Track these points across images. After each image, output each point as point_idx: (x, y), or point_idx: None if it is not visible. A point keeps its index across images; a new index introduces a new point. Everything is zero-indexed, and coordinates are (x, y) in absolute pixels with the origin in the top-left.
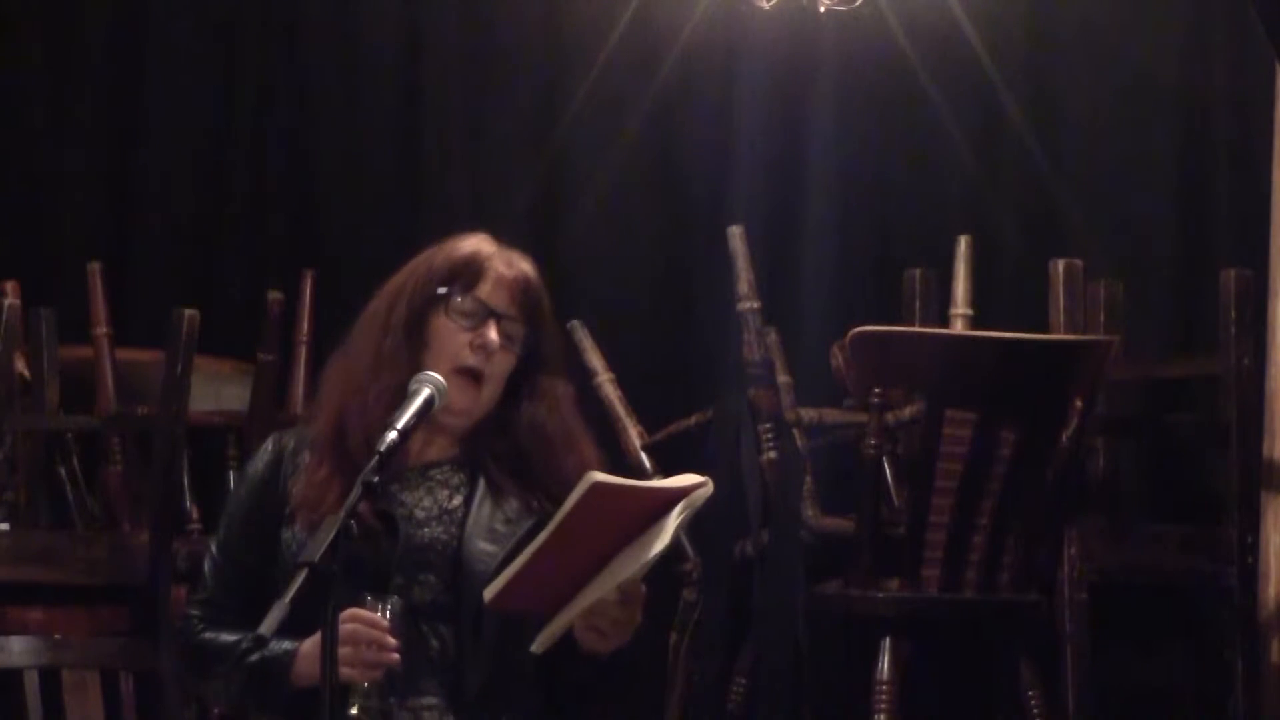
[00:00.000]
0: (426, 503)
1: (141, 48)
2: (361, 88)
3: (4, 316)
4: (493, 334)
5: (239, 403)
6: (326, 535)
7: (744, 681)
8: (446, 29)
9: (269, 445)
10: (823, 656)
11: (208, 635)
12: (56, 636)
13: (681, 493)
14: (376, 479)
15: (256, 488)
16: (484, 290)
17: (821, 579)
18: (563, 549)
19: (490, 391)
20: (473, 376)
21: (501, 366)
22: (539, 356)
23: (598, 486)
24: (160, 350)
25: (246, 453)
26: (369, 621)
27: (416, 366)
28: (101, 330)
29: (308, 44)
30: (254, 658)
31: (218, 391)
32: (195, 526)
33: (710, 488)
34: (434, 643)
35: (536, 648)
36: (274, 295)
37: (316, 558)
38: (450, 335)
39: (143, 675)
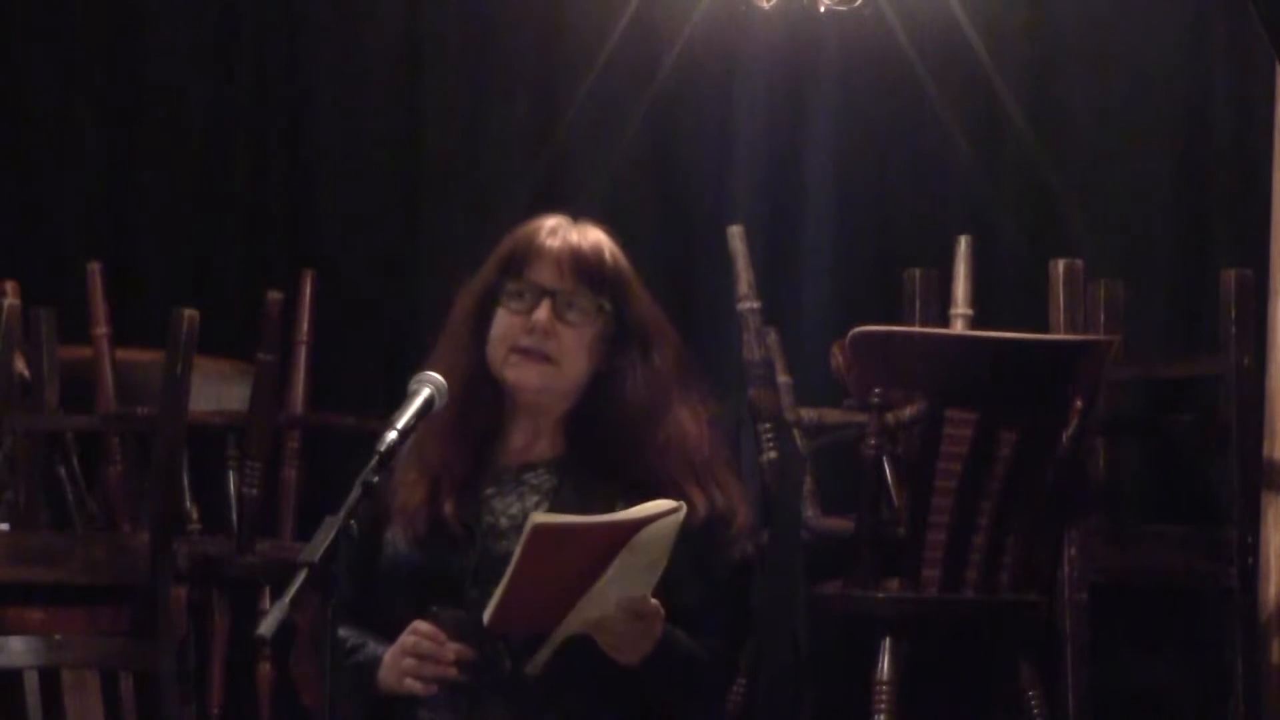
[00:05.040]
0: (514, 510)
1: (141, 48)
2: (361, 88)
3: (4, 316)
4: (543, 313)
5: (239, 403)
6: (326, 535)
7: (744, 681)
8: (446, 29)
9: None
10: (823, 656)
11: (339, 632)
12: (56, 636)
13: (638, 524)
14: (377, 479)
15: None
16: (532, 271)
17: (821, 579)
18: (534, 580)
19: (566, 370)
20: (532, 355)
21: (570, 343)
22: (622, 331)
23: (539, 529)
24: (160, 350)
25: (246, 453)
26: (428, 634)
27: (481, 361)
28: (101, 330)
29: (308, 44)
30: (352, 660)
31: (218, 391)
32: (195, 526)
33: (683, 512)
34: (506, 660)
35: (530, 670)
36: (274, 295)
37: (316, 558)
38: (506, 321)
39: (143, 675)
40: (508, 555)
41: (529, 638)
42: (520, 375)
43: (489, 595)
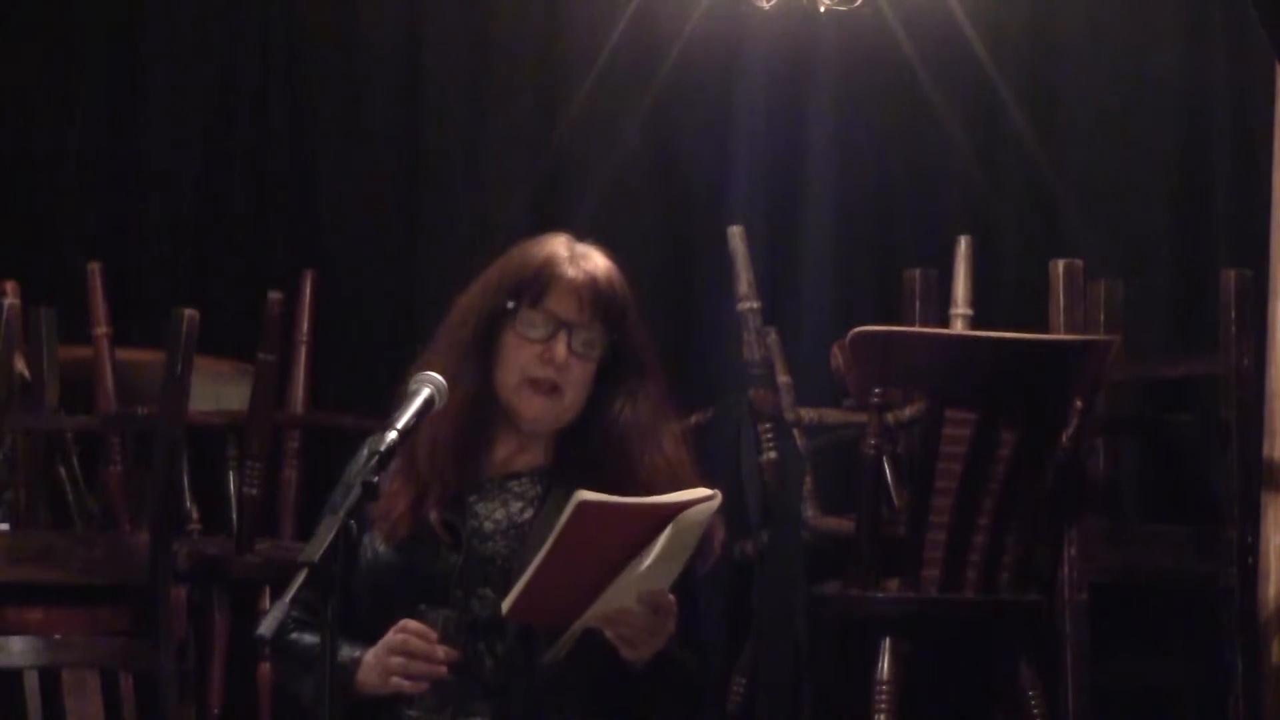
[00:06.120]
0: (499, 515)
1: (141, 47)
2: (361, 88)
3: (4, 316)
4: (561, 347)
5: (239, 403)
6: (326, 535)
7: (744, 681)
8: (447, 30)
9: (364, 450)
10: (823, 656)
11: (294, 636)
12: (56, 636)
13: (679, 506)
14: (377, 479)
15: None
16: (552, 301)
17: (821, 579)
18: (565, 564)
19: (570, 400)
20: (545, 387)
21: (578, 374)
22: (622, 357)
23: (584, 505)
24: (160, 350)
25: (247, 453)
26: (418, 632)
27: (488, 381)
28: (101, 330)
29: (308, 43)
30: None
31: (218, 391)
32: (195, 526)
33: (718, 500)
34: (488, 661)
35: (548, 659)
36: (274, 295)
37: (316, 558)
38: (520, 349)
39: (143, 675)
40: (493, 557)
41: (517, 639)
42: (530, 409)
43: (474, 596)
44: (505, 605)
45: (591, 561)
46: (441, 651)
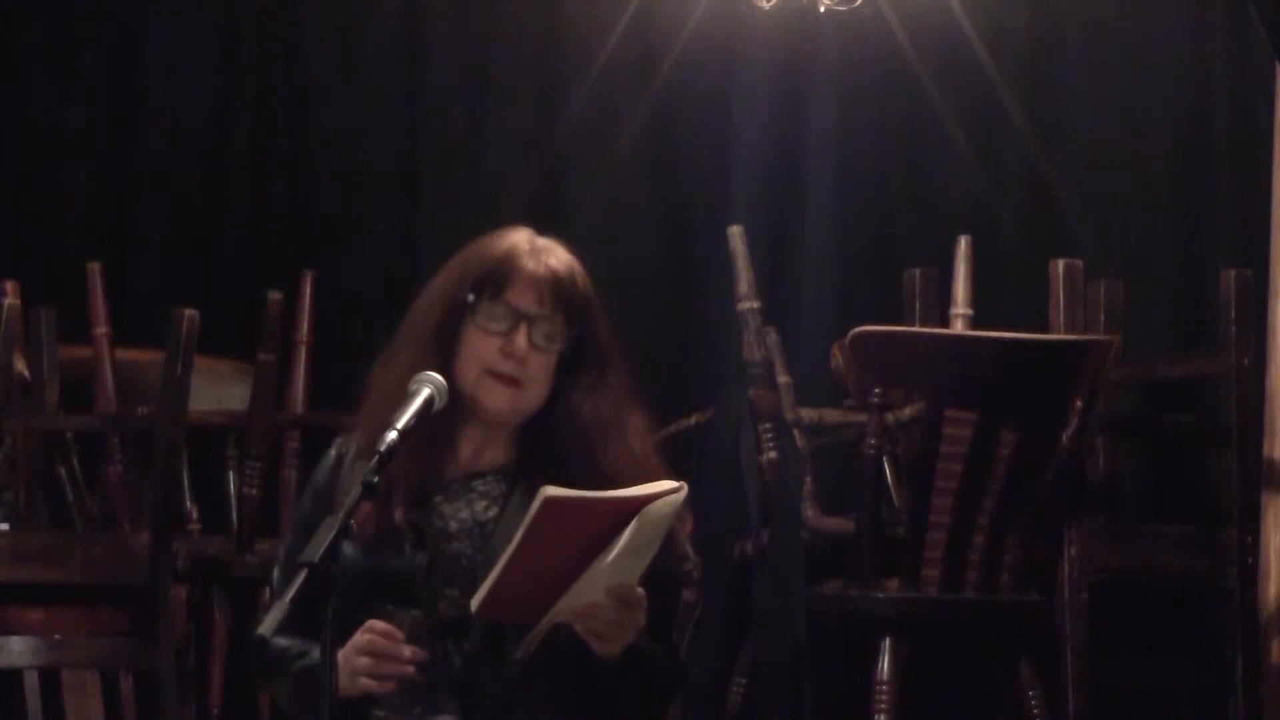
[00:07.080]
0: (464, 515)
1: (141, 48)
2: (361, 87)
3: (4, 316)
4: (521, 340)
5: (239, 403)
6: (326, 536)
7: (744, 681)
8: (447, 30)
9: (331, 452)
10: (823, 656)
11: (282, 642)
12: (56, 636)
13: (645, 499)
14: (376, 479)
15: (318, 495)
16: (512, 293)
17: (821, 579)
18: (532, 560)
19: (531, 394)
20: (505, 380)
21: (538, 367)
22: (584, 351)
23: (550, 500)
24: (160, 350)
25: (247, 453)
26: (384, 633)
27: (448, 374)
28: (101, 330)
29: (308, 44)
30: (299, 665)
31: (218, 391)
32: (195, 526)
33: (684, 492)
34: (456, 660)
35: (520, 654)
36: (274, 295)
37: (316, 559)
38: (481, 342)
39: (143, 675)
40: (459, 557)
41: (485, 637)
42: (492, 399)
43: (441, 596)
44: (474, 603)
45: (559, 556)
46: (408, 651)
